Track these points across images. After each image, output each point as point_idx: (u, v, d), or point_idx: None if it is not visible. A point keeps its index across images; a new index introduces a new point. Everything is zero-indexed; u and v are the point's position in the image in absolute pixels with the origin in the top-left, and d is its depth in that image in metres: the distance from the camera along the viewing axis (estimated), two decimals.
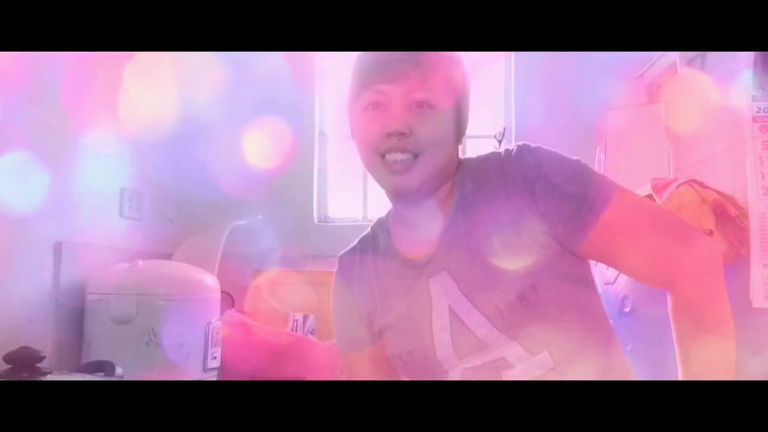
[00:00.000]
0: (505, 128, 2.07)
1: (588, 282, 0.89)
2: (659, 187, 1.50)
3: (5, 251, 1.31)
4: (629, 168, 1.68)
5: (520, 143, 0.89)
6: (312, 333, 1.93)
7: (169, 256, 1.87)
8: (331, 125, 2.32)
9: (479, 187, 0.89)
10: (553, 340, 0.83)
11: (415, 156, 0.85)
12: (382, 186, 0.91)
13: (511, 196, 0.85)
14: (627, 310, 1.55)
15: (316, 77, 2.26)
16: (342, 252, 1.02)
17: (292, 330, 1.91)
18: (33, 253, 1.42)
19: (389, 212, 1.00)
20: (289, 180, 2.18)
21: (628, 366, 0.91)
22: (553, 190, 0.83)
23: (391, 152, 0.85)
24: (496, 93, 2.28)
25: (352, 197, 2.31)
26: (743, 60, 1.29)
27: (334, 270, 1.02)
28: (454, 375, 0.88)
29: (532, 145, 0.88)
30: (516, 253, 0.83)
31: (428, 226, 0.90)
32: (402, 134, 0.84)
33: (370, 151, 0.87)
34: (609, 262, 0.87)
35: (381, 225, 1.00)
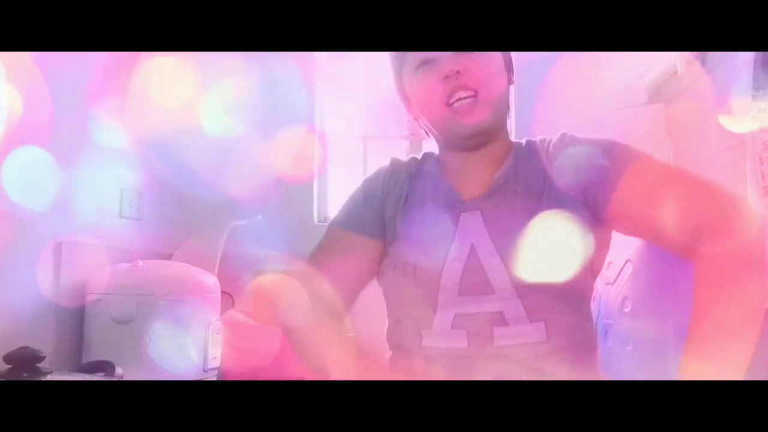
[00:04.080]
0: None
1: (591, 282, 0.92)
2: None
3: (5, 251, 1.31)
4: None
5: (562, 132, 0.97)
6: None
7: (169, 256, 1.87)
8: (331, 125, 2.31)
9: (531, 159, 0.96)
10: (554, 312, 0.86)
11: (475, 94, 0.91)
12: (453, 136, 0.96)
13: (558, 172, 0.92)
14: (627, 310, 1.55)
15: (316, 77, 2.26)
16: (394, 156, 1.09)
17: None
18: (33, 253, 1.42)
19: (438, 153, 1.05)
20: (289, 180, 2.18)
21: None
22: (590, 163, 0.90)
23: (453, 94, 0.91)
24: None
25: None
26: (743, 60, 1.29)
27: (382, 166, 1.09)
28: (445, 317, 0.88)
29: (569, 133, 0.97)
30: (551, 218, 0.88)
31: (478, 175, 0.96)
32: (458, 72, 0.90)
33: (435, 102, 0.92)
34: (635, 226, 0.88)
35: (430, 156, 1.06)
